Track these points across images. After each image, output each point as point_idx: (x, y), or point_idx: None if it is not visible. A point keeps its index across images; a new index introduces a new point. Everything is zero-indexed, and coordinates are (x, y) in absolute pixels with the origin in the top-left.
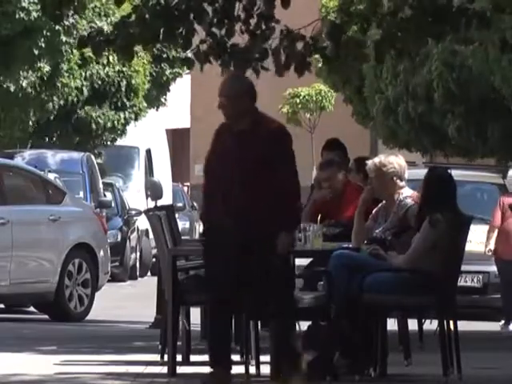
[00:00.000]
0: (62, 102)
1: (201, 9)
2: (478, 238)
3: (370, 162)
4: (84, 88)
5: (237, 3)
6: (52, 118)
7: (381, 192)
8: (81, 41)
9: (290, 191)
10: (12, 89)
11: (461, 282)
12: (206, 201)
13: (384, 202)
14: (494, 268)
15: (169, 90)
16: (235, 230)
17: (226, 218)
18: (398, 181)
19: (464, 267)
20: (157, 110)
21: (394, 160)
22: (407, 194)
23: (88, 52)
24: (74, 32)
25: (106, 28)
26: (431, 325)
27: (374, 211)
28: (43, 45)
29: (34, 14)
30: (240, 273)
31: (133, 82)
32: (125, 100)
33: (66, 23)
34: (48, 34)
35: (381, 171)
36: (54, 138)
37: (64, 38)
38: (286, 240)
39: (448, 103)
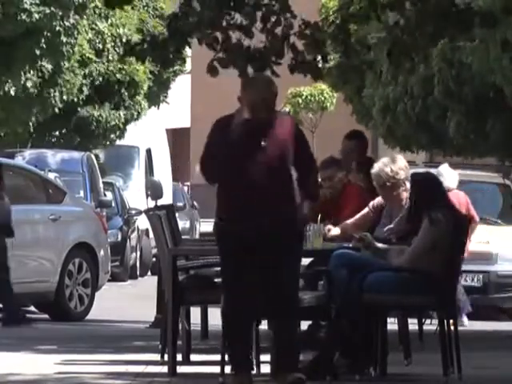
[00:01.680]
0: (64, 97)
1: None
2: (479, 238)
3: (378, 170)
4: (84, 87)
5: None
6: (53, 117)
7: (390, 198)
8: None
9: (314, 170)
10: (13, 92)
11: (461, 282)
12: (228, 200)
13: (383, 201)
14: (494, 268)
15: (169, 88)
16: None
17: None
18: (408, 183)
19: (464, 267)
20: (158, 108)
21: (402, 164)
22: None
23: (89, 53)
24: (75, 32)
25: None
26: (431, 325)
27: (373, 203)
28: (44, 45)
29: (36, 16)
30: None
31: (135, 78)
32: (126, 94)
33: (67, 24)
34: (49, 34)
35: (395, 179)
36: (55, 138)
37: (64, 39)
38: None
39: (447, 100)
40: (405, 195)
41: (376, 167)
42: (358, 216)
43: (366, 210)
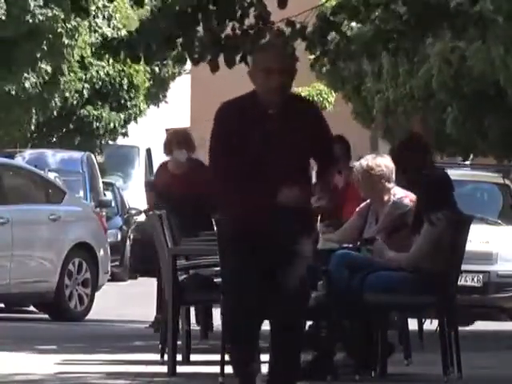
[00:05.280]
0: (62, 103)
1: (208, 11)
2: (479, 238)
3: (357, 165)
4: (84, 91)
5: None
6: (53, 117)
7: (369, 194)
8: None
9: (331, 162)
10: (13, 92)
11: (461, 282)
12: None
13: (369, 201)
14: (494, 268)
15: (168, 88)
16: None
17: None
18: (386, 183)
19: (464, 267)
20: (158, 106)
21: (381, 162)
22: (402, 195)
23: (88, 57)
24: (76, 34)
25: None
26: (431, 325)
27: (359, 208)
28: (45, 47)
29: (40, 17)
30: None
31: (134, 81)
32: (126, 97)
33: (69, 26)
34: (50, 36)
35: (368, 174)
36: (55, 138)
37: (66, 41)
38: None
39: (445, 96)
40: (385, 193)
41: (357, 163)
42: (346, 225)
43: (356, 218)
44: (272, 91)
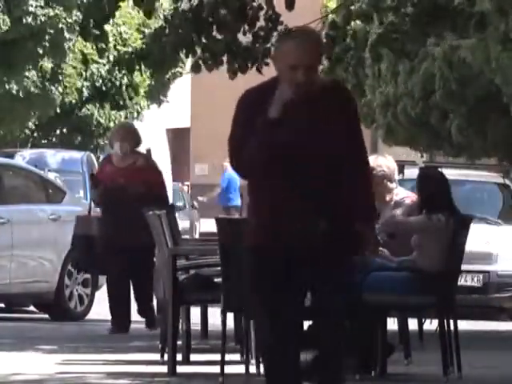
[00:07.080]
0: (62, 100)
1: (223, 17)
2: (479, 238)
3: None
4: (84, 89)
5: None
6: (53, 115)
7: None
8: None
9: (366, 167)
10: (15, 91)
11: (461, 282)
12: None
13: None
14: (494, 268)
15: (169, 88)
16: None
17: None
18: (389, 183)
19: (464, 267)
20: (159, 106)
21: (383, 162)
22: (404, 196)
23: (91, 55)
24: (77, 28)
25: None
26: (431, 325)
27: None
28: (47, 43)
29: (42, 18)
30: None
31: (134, 80)
32: (126, 98)
33: (70, 21)
34: (51, 31)
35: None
36: (55, 138)
37: (67, 35)
38: (372, 233)
39: (449, 101)
40: (388, 193)
41: None
42: None
43: None
44: (296, 86)
